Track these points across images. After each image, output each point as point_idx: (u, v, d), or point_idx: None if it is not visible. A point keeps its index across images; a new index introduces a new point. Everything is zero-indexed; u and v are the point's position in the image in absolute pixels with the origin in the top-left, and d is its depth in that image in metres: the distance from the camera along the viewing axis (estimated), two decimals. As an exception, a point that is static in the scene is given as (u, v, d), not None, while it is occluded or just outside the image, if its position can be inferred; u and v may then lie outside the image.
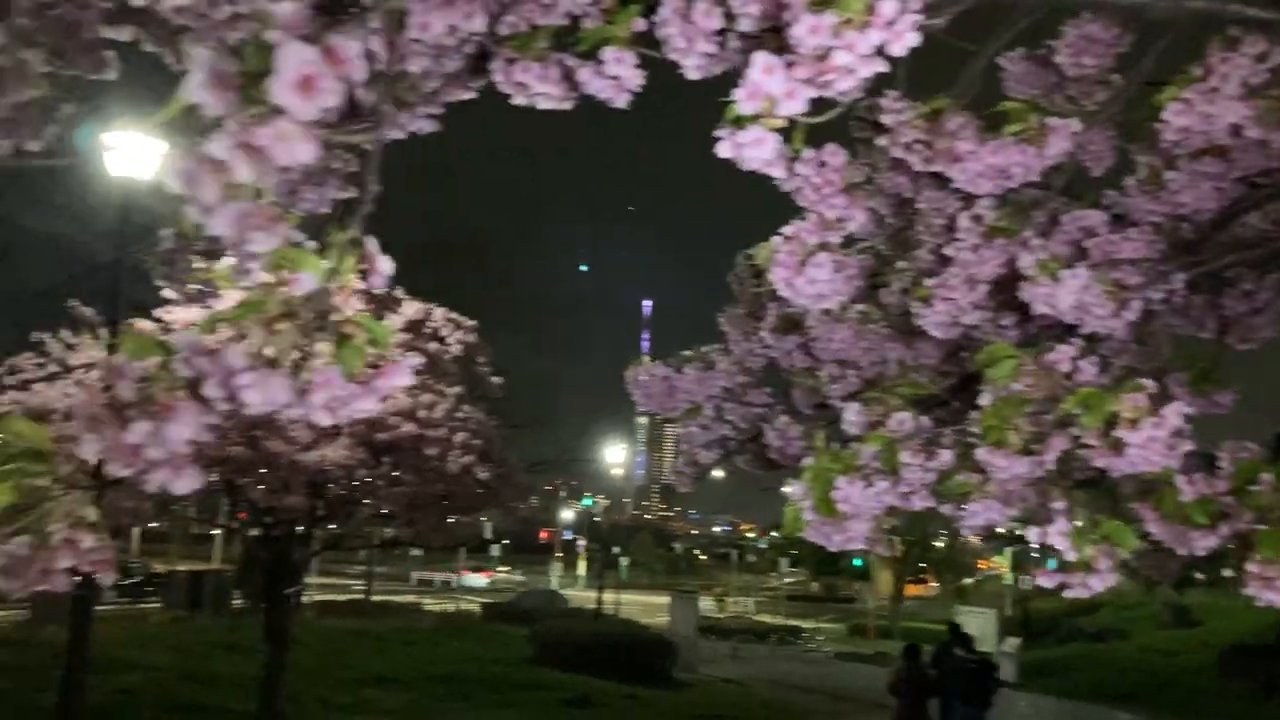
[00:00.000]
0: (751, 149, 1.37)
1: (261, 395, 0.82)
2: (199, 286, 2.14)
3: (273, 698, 12.52)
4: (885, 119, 2.17)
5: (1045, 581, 2.12)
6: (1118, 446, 1.97)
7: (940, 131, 2.16)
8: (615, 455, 46.78)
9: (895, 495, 2.23)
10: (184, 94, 0.70)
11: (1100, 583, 2.06)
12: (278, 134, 0.72)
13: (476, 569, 57.11)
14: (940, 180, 2.61)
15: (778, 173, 1.49)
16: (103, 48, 1.49)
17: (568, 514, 77.88)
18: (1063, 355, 2.24)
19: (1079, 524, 1.98)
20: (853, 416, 2.40)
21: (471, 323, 13.71)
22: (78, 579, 1.02)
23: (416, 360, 0.99)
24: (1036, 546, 2.17)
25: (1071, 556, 1.98)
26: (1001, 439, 2.11)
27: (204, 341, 0.83)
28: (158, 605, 27.91)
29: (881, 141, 2.24)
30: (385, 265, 0.97)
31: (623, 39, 1.65)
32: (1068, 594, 2.05)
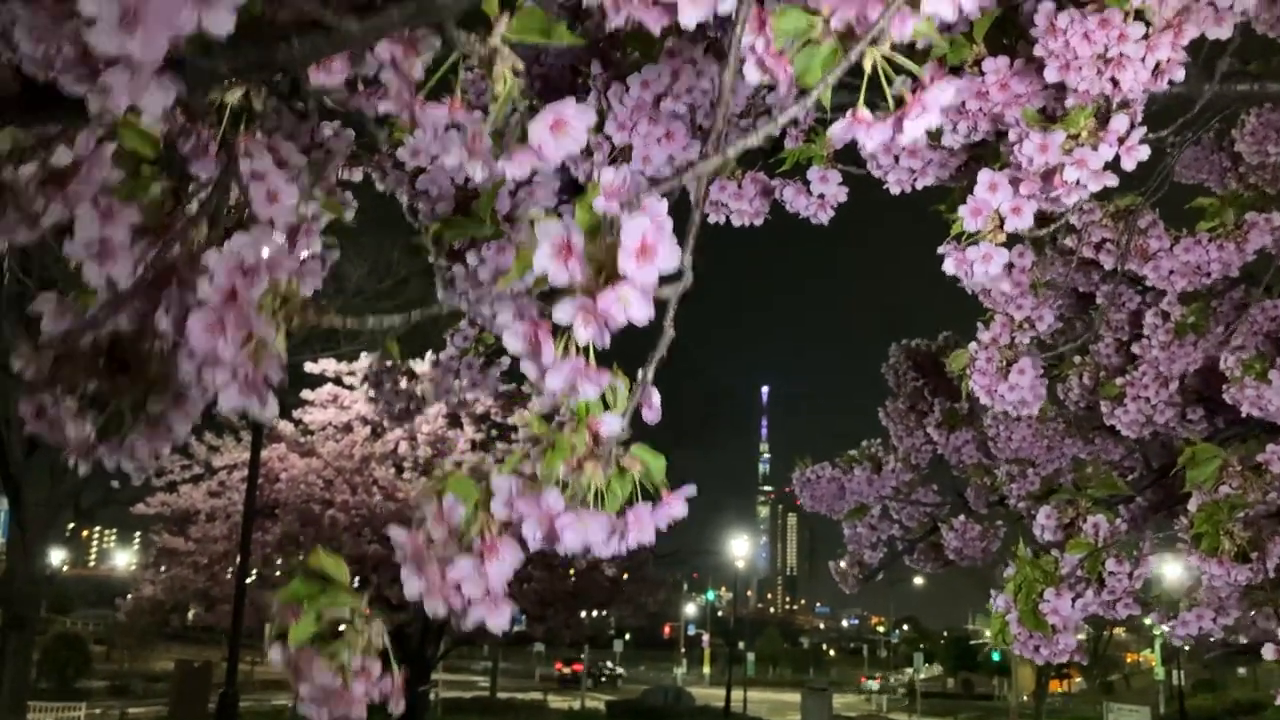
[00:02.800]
0: (980, 264, 1.37)
1: (579, 537, 0.86)
2: (404, 405, 2.23)
3: (411, 798, 12.55)
4: (1072, 219, 2.15)
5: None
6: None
7: (1130, 230, 2.13)
8: (739, 547, 45.94)
9: (1099, 604, 2.16)
10: (533, 263, 0.75)
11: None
12: (619, 298, 0.76)
13: (871, 676, 59.68)
14: (1117, 272, 2.56)
15: (1006, 287, 1.49)
16: (343, 189, 1.59)
17: (690, 608, 76.72)
18: (1272, 455, 2.16)
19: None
20: (1045, 520, 2.34)
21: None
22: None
23: (691, 490, 1.02)
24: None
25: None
26: (1215, 545, 2.03)
27: (522, 484, 0.87)
28: (287, 703, 28.37)
29: (1067, 242, 2.22)
30: (657, 400, 1.00)
31: (825, 157, 1.69)
32: None
